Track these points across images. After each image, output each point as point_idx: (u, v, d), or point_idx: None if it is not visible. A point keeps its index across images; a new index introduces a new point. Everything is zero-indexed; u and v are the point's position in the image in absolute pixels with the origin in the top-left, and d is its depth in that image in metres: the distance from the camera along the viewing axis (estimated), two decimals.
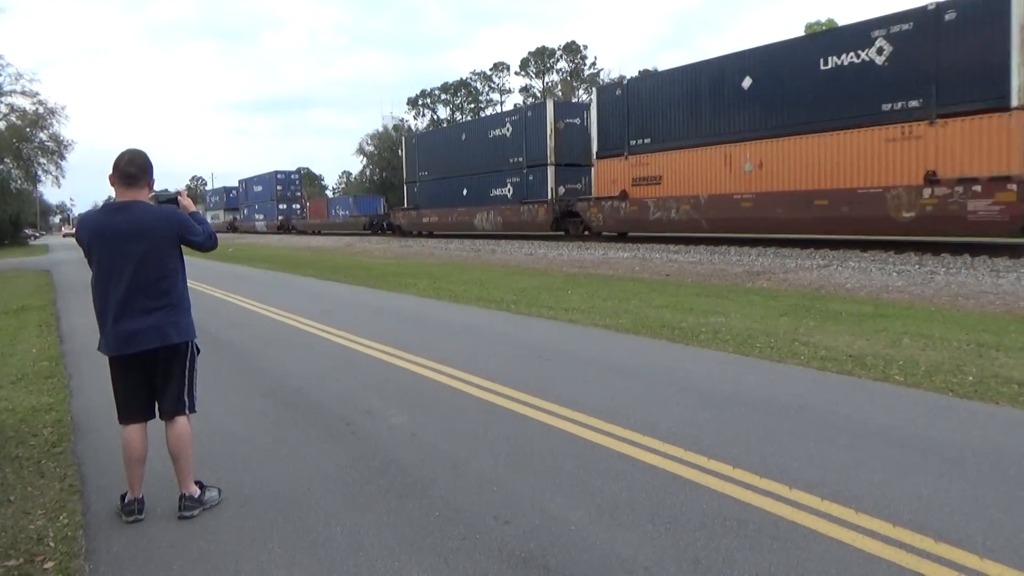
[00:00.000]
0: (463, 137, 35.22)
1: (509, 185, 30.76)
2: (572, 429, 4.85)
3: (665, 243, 22.27)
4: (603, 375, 6.49)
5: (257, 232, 62.28)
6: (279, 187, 60.94)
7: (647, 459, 4.23)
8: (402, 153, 41.51)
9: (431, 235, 38.13)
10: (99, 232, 3.60)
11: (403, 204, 40.80)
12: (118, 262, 3.57)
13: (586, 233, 26.84)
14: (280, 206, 60.68)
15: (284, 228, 57.91)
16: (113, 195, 3.79)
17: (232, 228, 70.18)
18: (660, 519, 3.42)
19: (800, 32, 58.16)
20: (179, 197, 3.97)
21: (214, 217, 74.85)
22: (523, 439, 4.69)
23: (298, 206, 61.48)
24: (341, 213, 53.43)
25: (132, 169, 3.64)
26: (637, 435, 4.65)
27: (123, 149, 3.72)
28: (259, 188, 64.55)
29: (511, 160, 30.38)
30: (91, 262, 3.67)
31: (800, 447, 4.39)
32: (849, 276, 13.71)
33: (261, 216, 64.09)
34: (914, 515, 3.37)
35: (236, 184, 75.57)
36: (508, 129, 30.93)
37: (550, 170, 27.94)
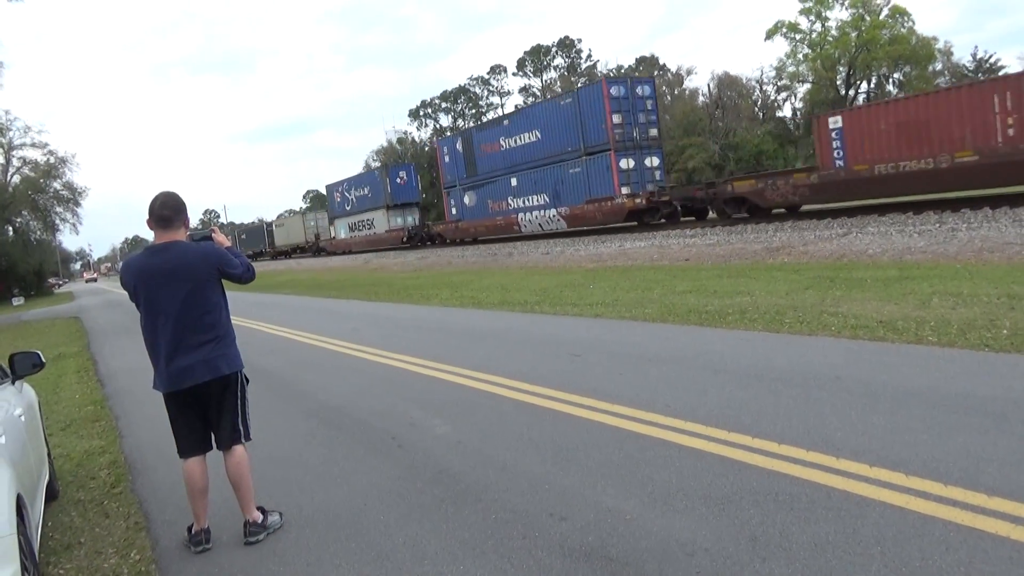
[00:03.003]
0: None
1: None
2: (613, 422, 4.92)
3: (681, 228, 22.24)
4: (636, 365, 6.55)
5: (373, 251, 44.08)
6: (389, 188, 43.65)
7: (692, 444, 4.29)
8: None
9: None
10: (143, 275, 3.73)
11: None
12: (164, 302, 3.69)
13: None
14: (398, 218, 43.61)
15: (416, 240, 40.78)
16: (131, 236, 3.93)
17: (317, 250, 55.96)
18: (713, 501, 3.48)
19: (796, 8, 57.51)
20: (213, 234, 4.09)
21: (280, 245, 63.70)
22: (567, 436, 4.77)
23: (412, 216, 44.51)
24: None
25: (167, 212, 3.77)
26: (678, 421, 4.71)
27: (147, 191, 3.87)
28: (362, 191, 47.03)
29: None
30: (138, 304, 3.79)
31: (842, 417, 4.43)
32: (870, 242, 13.65)
33: (367, 228, 46.45)
34: (964, 473, 3.41)
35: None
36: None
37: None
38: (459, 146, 35.68)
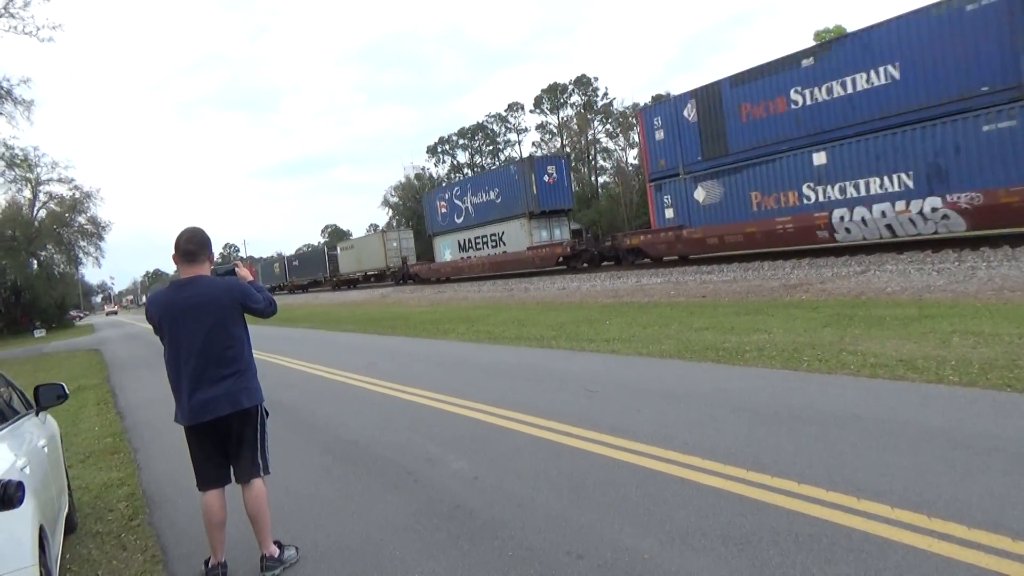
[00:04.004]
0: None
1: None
2: (631, 459, 4.89)
3: (697, 264, 22.22)
4: (653, 402, 6.52)
5: (498, 276, 34.15)
6: (534, 189, 32.53)
7: (710, 482, 4.26)
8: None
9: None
10: (168, 309, 3.80)
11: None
12: (188, 335, 3.75)
13: None
14: (543, 231, 33.06)
15: (583, 259, 29.04)
16: (151, 269, 4.00)
17: (405, 277, 44.02)
18: (732, 541, 3.45)
19: (808, 41, 57.88)
20: (236, 268, 4.17)
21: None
22: (584, 473, 4.75)
23: (561, 228, 33.79)
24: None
25: (192, 246, 3.85)
26: (697, 459, 4.68)
27: (169, 226, 3.98)
28: (487, 196, 35.76)
29: None
30: (163, 338, 3.85)
31: (862, 457, 4.39)
32: (888, 280, 13.58)
33: (492, 246, 35.58)
34: (987, 515, 3.36)
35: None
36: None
37: None
38: (690, 112, 22.81)
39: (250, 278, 4.16)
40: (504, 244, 34.80)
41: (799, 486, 4.01)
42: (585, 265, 28.85)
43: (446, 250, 40.24)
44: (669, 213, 23.91)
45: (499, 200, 34.86)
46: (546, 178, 33.17)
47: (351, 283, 52.11)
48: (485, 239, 36.49)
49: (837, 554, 3.18)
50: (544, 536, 3.82)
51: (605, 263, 28.35)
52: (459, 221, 38.45)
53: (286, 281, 66.49)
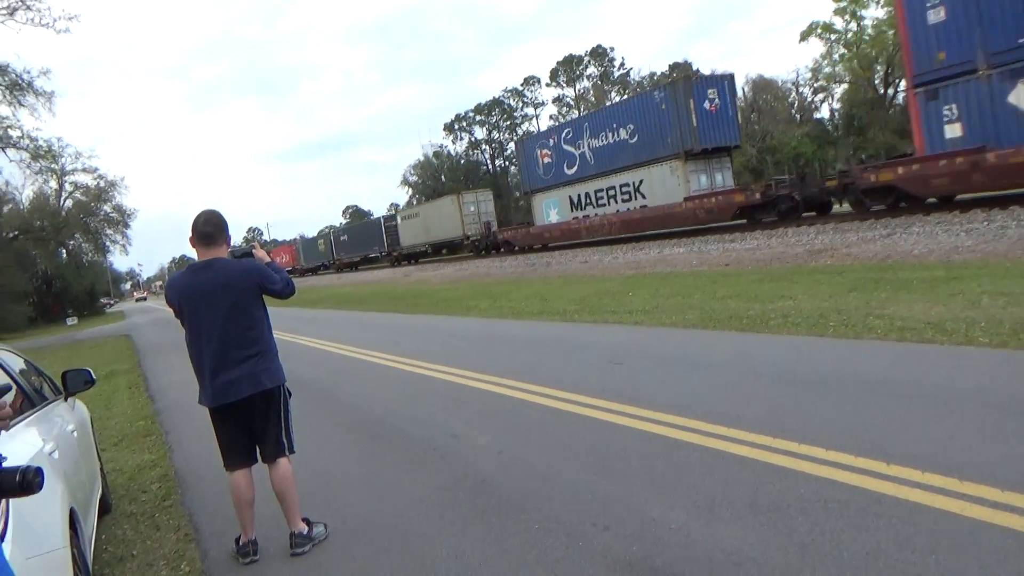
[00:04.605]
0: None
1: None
2: (656, 429, 4.86)
3: (720, 233, 21.98)
4: (678, 372, 6.47)
5: (630, 238, 26.46)
6: (694, 119, 24.53)
7: (737, 451, 4.22)
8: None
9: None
10: (187, 292, 3.82)
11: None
12: (208, 318, 3.77)
13: None
14: (702, 175, 25.64)
15: (768, 211, 21.83)
16: (178, 255, 4.01)
17: (489, 247, 36.64)
18: (760, 509, 3.42)
19: (830, 9, 55.88)
20: (253, 250, 4.17)
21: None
22: (609, 445, 4.73)
23: (723, 173, 26.29)
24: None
25: (209, 228, 3.86)
26: (722, 428, 4.64)
27: (192, 210, 3.94)
28: (616, 135, 28.12)
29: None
30: (183, 321, 3.88)
31: (891, 421, 4.32)
32: (915, 242, 13.33)
33: (621, 200, 28.34)
34: (1021, 477, 3.29)
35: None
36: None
37: None
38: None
39: (267, 259, 4.16)
40: (643, 196, 27.00)
41: (827, 452, 3.96)
42: (775, 218, 21.33)
43: (550, 210, 32.52)
44: (953, 131, 16.04)
45: (635, 139, 26.94)
46: (707, 105, 24.54)
47: (414, 257, 46.28)
48: (613, 192, 28.59)
49: (867, 520, 3.14)
50: (570, 508, 3.81)
51: (808, 214, 21.26)
52: (570, 172, 30.93)
53: (332, 259, 60.22)
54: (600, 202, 29.55)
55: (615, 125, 28.15)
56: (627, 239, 26.28)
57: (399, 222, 48.34)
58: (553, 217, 32.48)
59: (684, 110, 24.57)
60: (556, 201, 32.36)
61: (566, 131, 31.68)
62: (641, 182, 27.15)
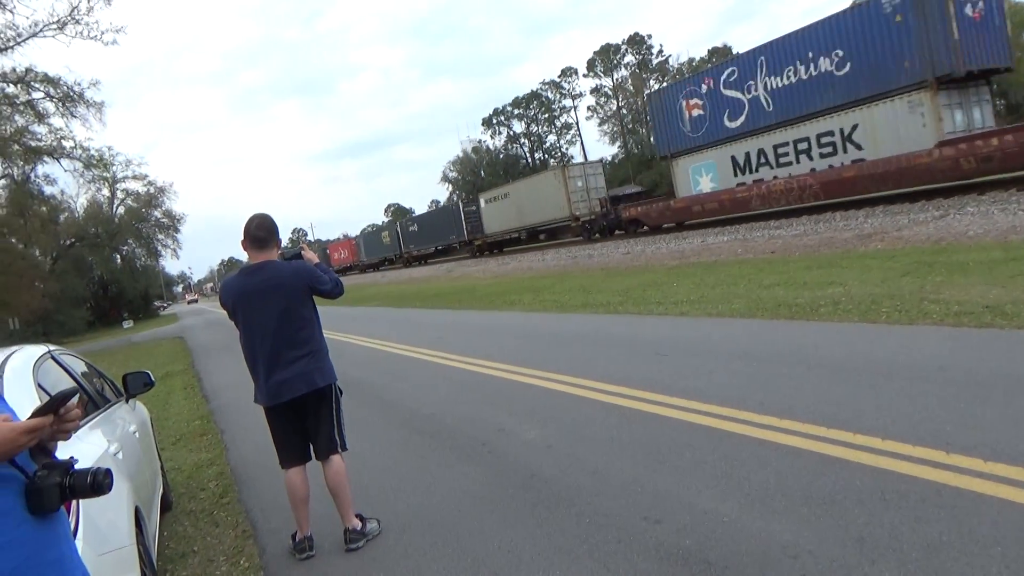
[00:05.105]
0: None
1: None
2: (705, 422, 4.82)
3: (765, 220, 21.60)
4: (726, 363, 6.40)
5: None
6: (955, 26, 17.37)
7: (789, 442, 4.16)
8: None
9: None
10: (241, 294, 3.91)
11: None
12: (261, 319, 3.86)
13: None
14: (956, 112, 18.48)
15: None
16: (226, 257, 4.10)
17: (608, 229, 32.06)
18: (815, 501, 3.36)
19: None
20: (303, 252, 4.25)
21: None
22: (658, 438, 4.70)
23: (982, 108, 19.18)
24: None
25: (262, 233, 3.94)
26: (774, 419, 4.57)
27: (240, 214, 4.04)
28: (813, 67, 20.88)
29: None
30: (237, 323, 3.98)
31: (950, 409, 4.20)
32: (970, 223, 12.91)
33: (817, 154, 21.49)
34: None
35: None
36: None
37: None
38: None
39: (316, 260, 4.24)
40: (856, 147, 20.16)
41: (883, 442, 3.87)
42: None
43: (701, 177, 25.59)
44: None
45: (845, 70, 19.85)
46: (969, 10, 17.76)
47: (499, 246, 40.93)
48: (805, 145, 21.67)
49: (927, 511, 3.06)
50: (620, 502, 3.80)
51: None
52: (734, 125, 23.96)
53: (400, 252, 54.91)
54: (783, 160, 22.31)
55: (810, 55, 20.77)
56: (822, 207, 20.59)
57: (483, 205, 42.31)
58: (705, 185, 25.16)
59: (936, 18, 17.50)
60: (711, 164, 24.97)
61: (729, 71, 24.12)
62: (855, 128, 19.97)
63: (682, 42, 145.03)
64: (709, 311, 9.36)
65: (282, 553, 4.11)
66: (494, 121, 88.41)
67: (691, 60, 77.19)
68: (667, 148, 27.30)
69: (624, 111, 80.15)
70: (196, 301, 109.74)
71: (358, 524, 4.00)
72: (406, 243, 53.88)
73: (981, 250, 10.33)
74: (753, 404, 4.97)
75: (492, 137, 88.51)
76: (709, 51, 75.15)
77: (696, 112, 25.39)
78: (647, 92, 28.11)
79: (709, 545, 3.15)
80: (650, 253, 21.11)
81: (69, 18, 28.62)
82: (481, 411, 6.32)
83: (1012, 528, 2.81)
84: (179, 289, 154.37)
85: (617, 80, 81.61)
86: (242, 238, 3.97)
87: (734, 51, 70.83)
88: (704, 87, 25.05)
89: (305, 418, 4.00)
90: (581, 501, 3.93)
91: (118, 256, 57.92)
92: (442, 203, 78.70)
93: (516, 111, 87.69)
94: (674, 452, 4.38)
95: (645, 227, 28.78)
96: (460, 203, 47.83)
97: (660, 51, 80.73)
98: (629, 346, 8.07)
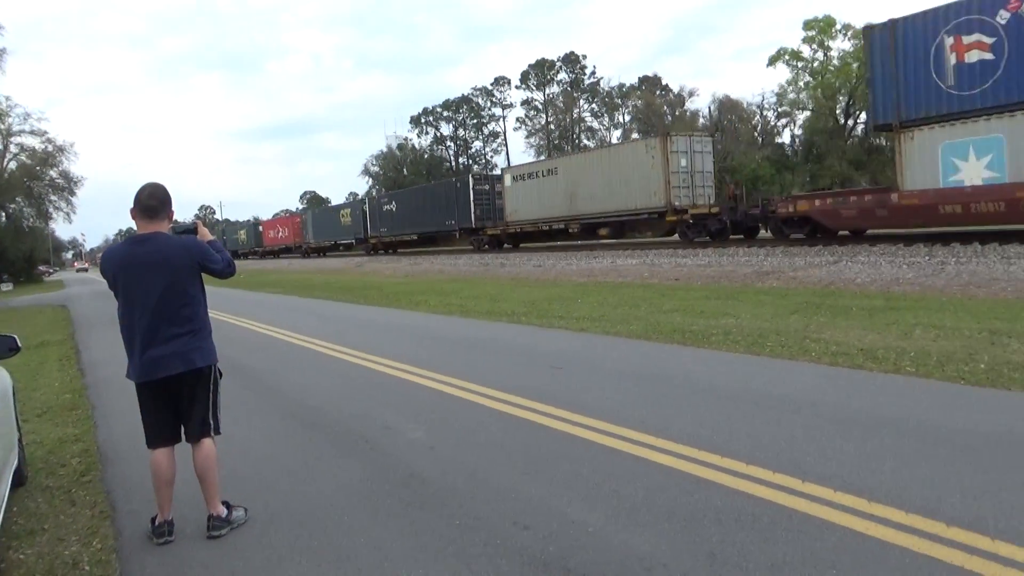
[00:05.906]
0: None
1: None
2: (587, 435, 4.92)
3: (673, 247, 22.32)
4: (615, 381, 6.56)
5: None
6: None
7: (662, 460, 4.31)
8: None
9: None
10: (124, 264, 3.74)
11: None
12: (143, 292, 3.69)
13: None
14: None
15: None
16: (123, 228, 3.92)
17: (745, 227, 22.63)
18: (676, 517, 3.49)
19: (798, 28, 55.90)
20: (196, 227, 4.11)
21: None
22: (539, 447, 4.77)
23: None
24: None
25: (153, 202, 3.78)
26: (651, 437, 4.73)
27: (143, 183, 3.86)
28: None
29: None
30: (117, 293, 3.79)
31: (813, 441, 4.45)
32: (859, 271, 13.74)
33: None
34: (926, 502, 3.43)
35: None
36: None
37: None
38: None
39: (210, 237, 4.10)
40: None
41: (747, 467, 4.07)
42: None
43: (965, 159, 15.44)
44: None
45: None
46: None
47: (528, 238, 31.83)
48: None
49: (776, 533, 3.23)
50: (493, 507, 3.84)
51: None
52: None
53: (364, 236, 44.97)
54: None
55: None
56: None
57: (507, 184, 31.74)
58: (973, 172, 15.43)
59: None
60: (994, 141, 15.09)
61: None
62: None
63: (615, 67, 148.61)
64: (608, 330, 9.59)
65: (140, 536, 3.93)
66: (423, 120, 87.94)
67: (621, 85, 79.11)
68: (897, 112, 16.82)
69: (552, 126, 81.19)
70: (86, 270, 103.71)
71: (223, 511, 3.87)
72: (375, 225, 43.11)
73: (865, 297, 11.02)
74: (635, 422, 5.11)
75: (419, 136, 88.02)
76: (640, 78, 77.22)
77: (975, 55, 15.39)
78: (865, 25, 17.39)
79: (571, 553, 3.22)
80: (561, 268, 21.41)
81: None
82: (369, 407, 6.25)
83: (849, 554, 3.00)
84: (69, 255, 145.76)
85: (548, 95, 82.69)
86: (132, 206, 3.80)
87: (663, 81, 73.08)
88: (1001, 17, 14.92)
89: (179, 398, 3.84)
90: (455, 503, 3.94)
91: (3, 213, 54.13)
92: (360, 196, 76.41)
93: (446, 113, 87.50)
94: (552, 462, 4.45)
95: (817, 233, 19.60)
96: (470, 179, 36.25)
97: (593, 72, 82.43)
98: (527, 357, 8.16)
